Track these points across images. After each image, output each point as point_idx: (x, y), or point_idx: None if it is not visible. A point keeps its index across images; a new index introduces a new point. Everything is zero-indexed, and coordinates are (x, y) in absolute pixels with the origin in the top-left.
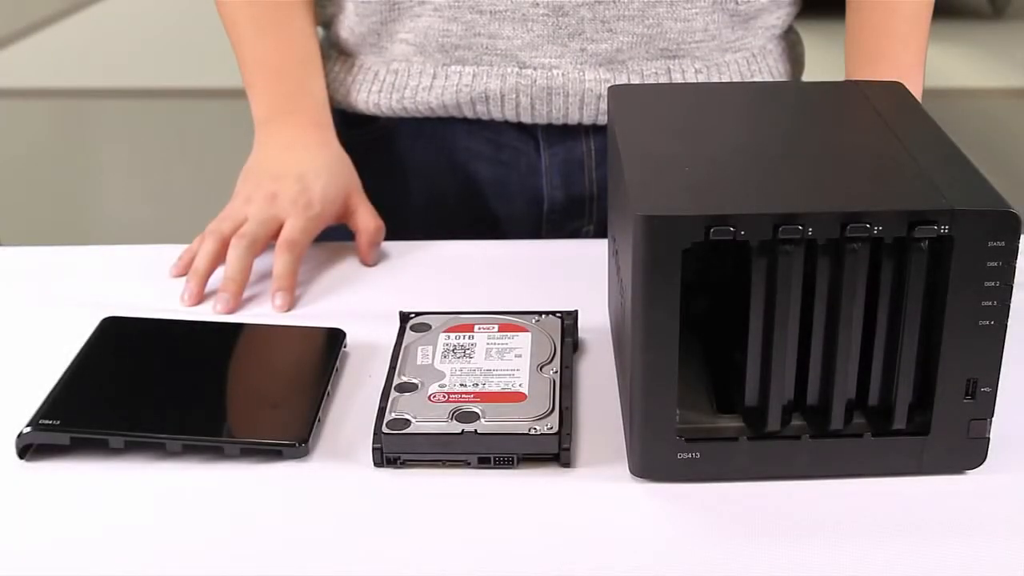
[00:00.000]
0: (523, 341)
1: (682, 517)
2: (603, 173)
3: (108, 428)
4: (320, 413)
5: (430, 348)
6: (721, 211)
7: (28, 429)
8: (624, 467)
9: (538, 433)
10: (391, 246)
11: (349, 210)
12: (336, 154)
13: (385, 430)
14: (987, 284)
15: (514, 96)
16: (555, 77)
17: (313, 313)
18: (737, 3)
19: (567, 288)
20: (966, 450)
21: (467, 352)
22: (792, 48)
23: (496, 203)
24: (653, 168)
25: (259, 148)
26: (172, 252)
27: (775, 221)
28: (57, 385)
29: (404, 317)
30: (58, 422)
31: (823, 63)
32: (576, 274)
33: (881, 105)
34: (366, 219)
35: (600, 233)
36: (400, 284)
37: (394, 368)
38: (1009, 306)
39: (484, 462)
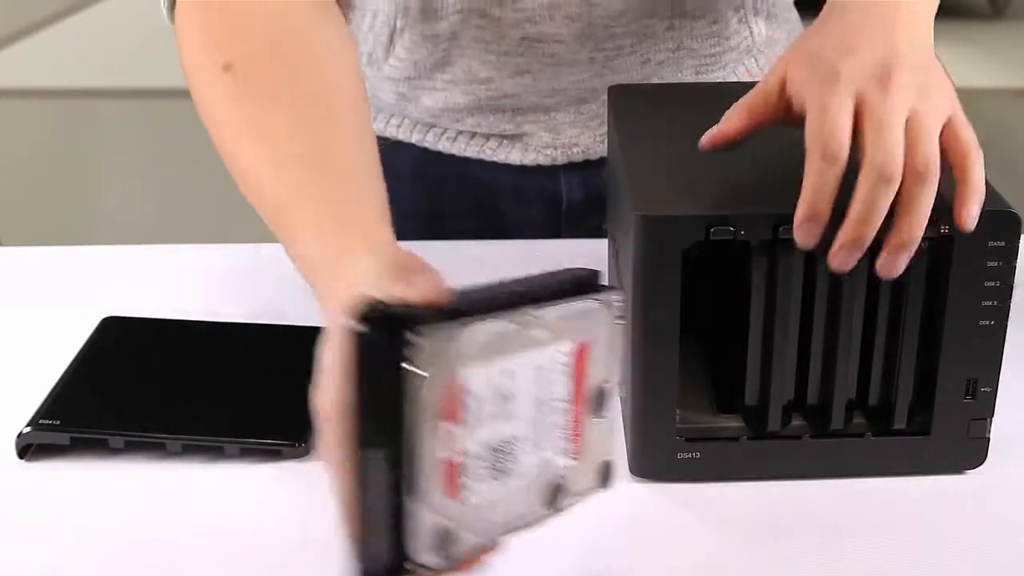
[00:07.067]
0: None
1: (682, 517)
2: None
3: (108, 428)
4: None
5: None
6: (721, 211)
7: (28, 429)
8: (624, 467)
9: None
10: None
11: None
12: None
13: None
14: (987, 284)
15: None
16: (576, 154)
17: (313, 313)
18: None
19: None
20: (966, 450)
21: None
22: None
23: (515, 206)
24: (653, 168)
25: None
26: (172, 252)
27: (775, 221)
28: (57, 385)
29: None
30: (58, 422)
31: None
32: None
33: None
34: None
35: None
36: None
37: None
38: (1009, 306)
39: None
